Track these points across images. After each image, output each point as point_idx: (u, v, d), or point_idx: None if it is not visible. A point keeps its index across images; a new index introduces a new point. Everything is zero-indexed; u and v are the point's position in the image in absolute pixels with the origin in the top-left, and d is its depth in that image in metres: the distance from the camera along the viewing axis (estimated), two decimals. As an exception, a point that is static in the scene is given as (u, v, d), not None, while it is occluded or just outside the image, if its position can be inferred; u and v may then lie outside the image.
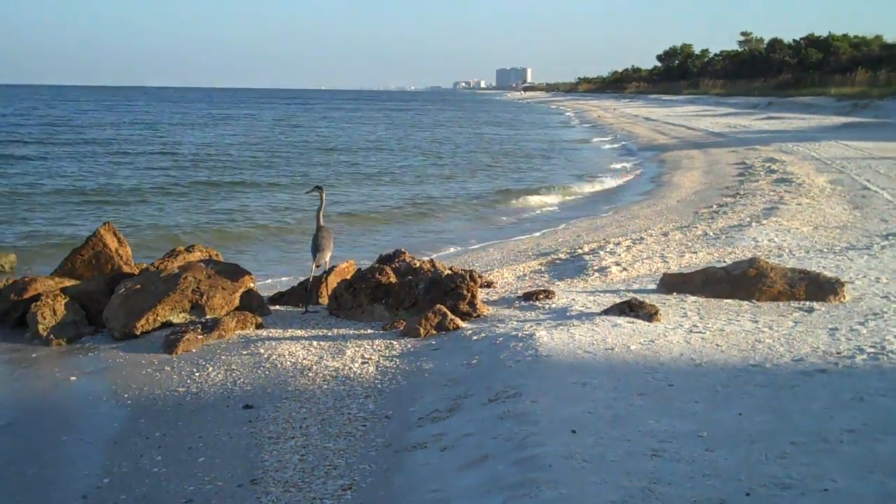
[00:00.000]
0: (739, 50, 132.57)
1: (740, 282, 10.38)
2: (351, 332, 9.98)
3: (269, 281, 14.14)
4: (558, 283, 12.34)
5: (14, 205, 24.43)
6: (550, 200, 26.75)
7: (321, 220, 11.28)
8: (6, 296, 11.18)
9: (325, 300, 11.20)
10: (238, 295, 10.78)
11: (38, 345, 10.23)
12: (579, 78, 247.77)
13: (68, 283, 11.49)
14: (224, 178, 32.49)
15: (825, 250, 13.56)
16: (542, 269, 13.85)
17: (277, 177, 33.44)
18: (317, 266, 11.25)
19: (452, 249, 18.43)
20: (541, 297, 10.69)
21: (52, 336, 10.29)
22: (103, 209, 24.29)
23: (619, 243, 15.42)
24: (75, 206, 24.71)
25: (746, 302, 10.09)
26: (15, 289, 11.20)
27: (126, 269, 11.89)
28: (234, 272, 11.06)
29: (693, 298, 10.35)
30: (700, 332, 8.68)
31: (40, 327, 10.33)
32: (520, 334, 8.80)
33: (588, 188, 29.82)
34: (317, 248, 11.06)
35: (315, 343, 9.52)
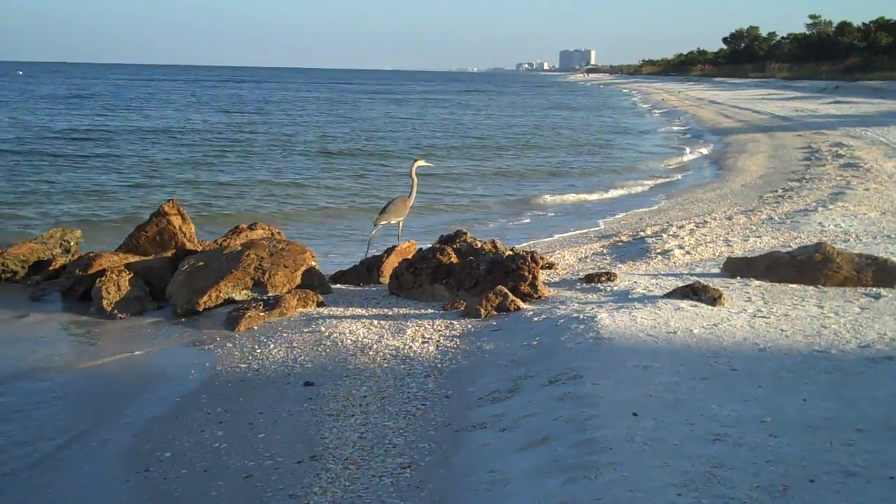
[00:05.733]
0: (807, 33, 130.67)
1: (806, 267, 10.23)
2: (411, 311, 9.98)
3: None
4: (620, 265, 12.25)
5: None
6: (617, 182, 26.57)
7: (412, 194, 12.36)
8: (72, 271, 11.36)
9: (385, 279, 11.23)
10: (300, 273, 10.83)
11: (102, 319, 10.37)
12: (643, 60, 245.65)
13: (133, 258, 11.64)
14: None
15: (893, 236, 13.32)
16: (604, 251, 13.76)
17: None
18: (374, 224, 12.28)
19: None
20: (602, 279, 10.62)
21: (115, 311, 10.42)
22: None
23: (682, 226, 15.27)
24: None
25: (812, 287, 9.94)
26: (80, 264, 11.37)
27: (189, 245, 12.01)
28: (297, 250, 11.10)
29: (757, 283, 10.22)
30: (764, 317, 8.57)
31: (104, 302, 10.47)
32: (581, 316, 8.74)
33: (650, 171, 29.57)
34: (382, 210, 12.19)
35: (376, 322, 9.54)
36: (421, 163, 12.29)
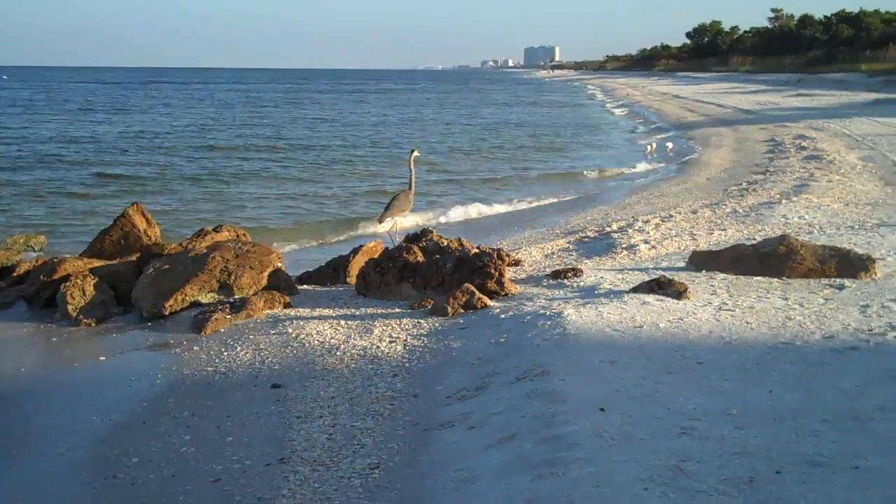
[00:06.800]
0: (769, 27, 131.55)
1: (770, 259, 10.28)
2: (378, 311, 9.96)
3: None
4: (587, 261, 12.28)
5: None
6: (579, 179, 26.67)
7: (412, 185, 12.18)
8: (36, 277, 11.25)
9: (352, 279, 11.21)
10: (266, 274, 10.79)
11: (68, 325, 10.31)
12: (607, 56, 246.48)
13: (97, 263, 11.56)
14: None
15: (856, 227, 13.43)
16: (571, 247, 13.79)
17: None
18: (378, 221, 12.23)
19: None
20: (569, 275, 10.64)
21: (81, 316, 10.34)
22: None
23: (647, 221, 15.33)
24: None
25: (776, 279, 9.99)
26: (44, 270, 11.27)
27: (154, 249, 11.94)
28: (262, 252, 11.06)
29: (722, 276, 10.27)
30: (730, 310, 8.61)
31: (69, 308, 10.39)
32: (548, 312, 8.75)
33: (616, 166, 29.68)
34: (386, 206, 11.99)
35: (343, 322, 9.51)
36: (417, 154, 12.33)
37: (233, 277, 10.56)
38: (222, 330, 9.60)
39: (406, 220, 12.41)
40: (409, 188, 12.02)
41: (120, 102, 76.60)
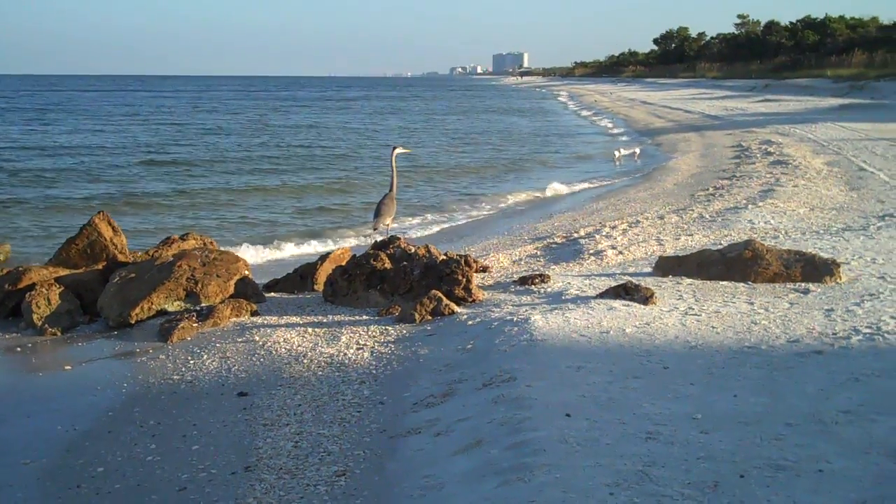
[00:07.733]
0: (736, 33, 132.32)
1: (736, 264, 10.35)
2: (346, 318, 9.94)
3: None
4: (554, 267, 12.31)
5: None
6: (546, 184, 26.72)
7: (394, 187, 12.00)
8: (1, 286, 11.15)
9: (320, 287, 11.17)
10: (233, 282, 10.75)
11: (33, 334, 10.24)
12: (575, 62, 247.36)
13: (63, 272, 11.47)
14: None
15: (821, 231, 13.53)
16: (538, 253, 13.82)
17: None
18: (374, 229, 12.06)
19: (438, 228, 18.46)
20: (536, 281, 10.65)
21: (46, 325, 10.27)
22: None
23: (614, 227, 15.38)
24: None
25: (742, 284, 10.05)
26: (9, 278, 11.17)
27: (121, 257, 11.87)
28: (229, 259, 11.02)
29: (689, 281, 10.32)
30: (695, 315, 8.65)
31: (35, 317, 10.31)
32: (515, 318, 8.77)
33: (584, 172, 29.76)
34: (376, 213, 11.80)
35: (310, 330, 9.49)
36: (400, 150, 12.07)
37: (199, 285, 10.51)
38: (189, 338, 9.55)
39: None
40: (391, 190, 11.79)
41: (83, 109, 76.14)
